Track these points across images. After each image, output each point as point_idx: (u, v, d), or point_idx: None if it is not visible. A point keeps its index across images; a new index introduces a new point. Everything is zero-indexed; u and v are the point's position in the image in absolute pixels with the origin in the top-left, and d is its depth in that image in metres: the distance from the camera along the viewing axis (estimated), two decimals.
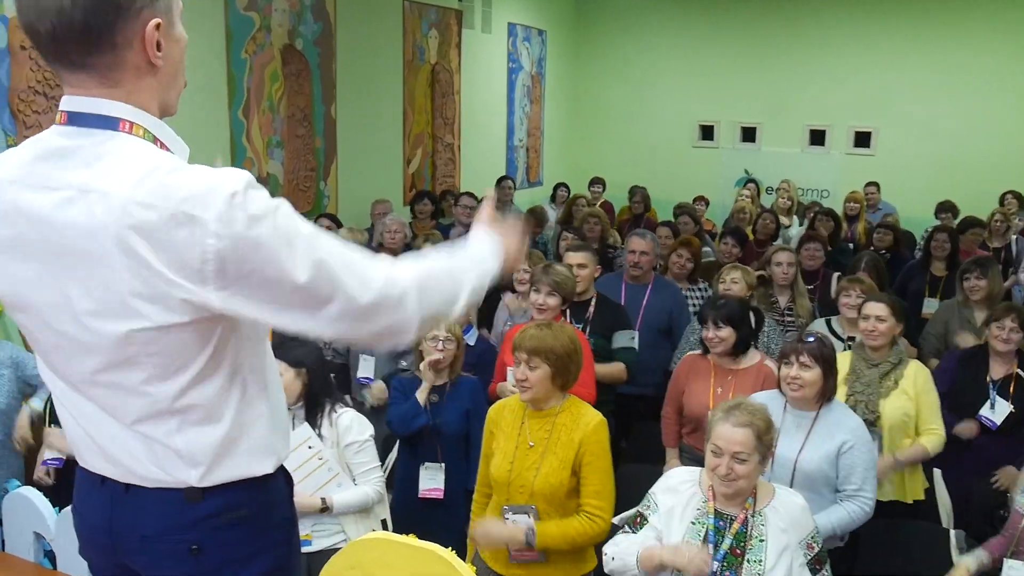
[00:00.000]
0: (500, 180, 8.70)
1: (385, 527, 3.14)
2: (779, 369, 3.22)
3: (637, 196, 9.10)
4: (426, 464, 3.56)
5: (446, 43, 8.85)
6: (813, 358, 3.11)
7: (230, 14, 6.04)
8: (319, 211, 7.00)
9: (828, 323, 4.64)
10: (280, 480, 1.62)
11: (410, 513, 3.52)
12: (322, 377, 3.16)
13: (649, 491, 2.76)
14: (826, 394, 3.16)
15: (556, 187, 9.83)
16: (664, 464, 3.90)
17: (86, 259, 1.32)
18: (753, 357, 3.86)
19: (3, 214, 1.38)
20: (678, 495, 2.66)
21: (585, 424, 2.84)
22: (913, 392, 3.70)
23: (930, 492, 3.86)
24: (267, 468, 1.56)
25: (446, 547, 2.91)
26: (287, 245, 1.32)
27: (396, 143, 8.19)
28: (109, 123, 1.34)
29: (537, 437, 2.86)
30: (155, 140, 1.39)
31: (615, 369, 4.18)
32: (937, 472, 3.93)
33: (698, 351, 4.01)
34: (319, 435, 3.08)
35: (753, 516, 2.56)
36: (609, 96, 11.78)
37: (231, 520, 1.51)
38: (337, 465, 3.06)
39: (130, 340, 1.35)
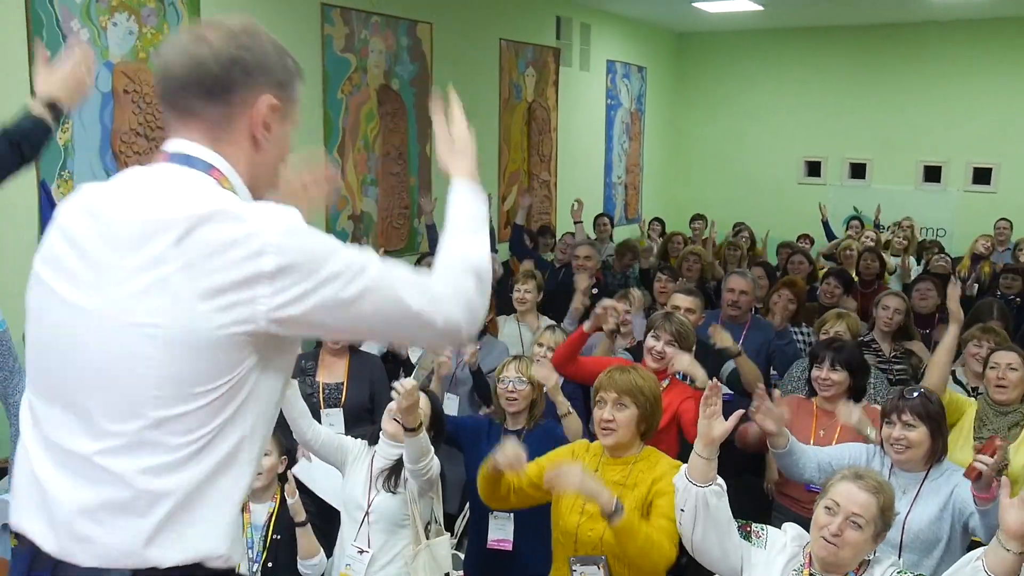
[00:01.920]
0: (597, 217, 8.57)
1: None
2: (881, 429, 2.95)
3: (744, 233, 8.79)
4: (495, 513, 3.40)
5: (543, 81, 8.82)
6: (917, 416, 2.83)
7: (327, 56, 6.15)
8: (413, 249, 7.02)
9: (953, 373, 4.31)
10: None
11: (480, 564, 3.37)
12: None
13: (766, 526, 2.53)
14: (936, 455, 2.88)
15: (650, 222, 9.61)
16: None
17: None
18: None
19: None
20: (784, 551, 2.41)
21: (662, 472, 2.66)
22: None
23: None
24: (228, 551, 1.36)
25: None
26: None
27: (491, 180, 8.18)
28: (203, 166, 1.38)
29: (611, 483, 2.68)
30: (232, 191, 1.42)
31: (753, 369, 4.11)
32: None
33: (801, 394, 3.77)
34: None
35: None
36: (710, 132, 11.55)
37: None
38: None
39: None
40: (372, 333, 1.42)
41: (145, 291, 1.26)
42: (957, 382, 4.22)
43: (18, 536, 1.40)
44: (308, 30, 6.03)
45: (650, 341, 3.75)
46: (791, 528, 2.53)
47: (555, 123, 9.07)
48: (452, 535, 4.16)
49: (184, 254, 1.25)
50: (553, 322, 4.84)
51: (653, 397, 2.75)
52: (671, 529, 2.56)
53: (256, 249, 1.25)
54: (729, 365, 4.21)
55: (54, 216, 1.43)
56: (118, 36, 4.82)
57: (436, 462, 3.07)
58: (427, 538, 3.16)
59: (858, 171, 10.75)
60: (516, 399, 3.41)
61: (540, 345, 4.18)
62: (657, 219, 9.69)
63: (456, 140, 1.71)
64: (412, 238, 7.14)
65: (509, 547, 3.29)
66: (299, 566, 3.09)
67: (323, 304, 1.28)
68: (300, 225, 1.30)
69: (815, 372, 3.61)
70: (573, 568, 2.64)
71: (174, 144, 1.40)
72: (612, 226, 8.39)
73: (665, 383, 3.65)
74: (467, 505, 3.74)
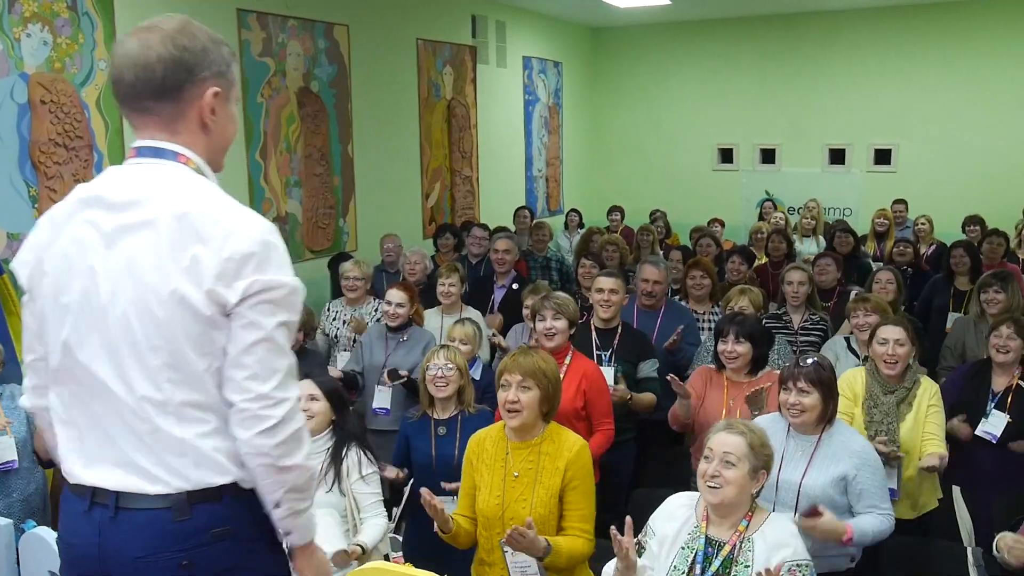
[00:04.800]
0: (517, 211, 8.77)
1: (386, 559, 3.16)
2: (779, 395, 3.20)
3: (659, 220, 9.13)
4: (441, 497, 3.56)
5: (461, 79, 8.98)
6: (811, 383, 3.08)
7: (245, 60, 6.20)
8: (339, 248, 7.12)
9: (847, 341, 4.61)
10: (256, 497, 1.70)
11: (423, 544, 3.53)
12: (346, 410, 3.24)
13: (650, 517, 2.77)
14: (827, 417, 3.14)
15: (568, 213, 9.88)
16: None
17: None
18: (763, 374, 3.85)
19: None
20: (673, 521, 2.66)
21: (568, 449, 2.85)
22: (924, 408, 3.66)
23: (944, 509, 3.80)
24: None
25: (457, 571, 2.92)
26: None
27: (414, 178, 8.31)
28: (169, 155, 1.66)
29: (522, 468, 2.86)
30: (199, 171, 1.70)
31: (648, 399, 4.24)
32: (956, 489, 3.85)
33: (711, 365, 4.01)
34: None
35: (743, 542, 2.55)
36: (627, 123, 11.86)
37: (218, 535, 1.62)
38: (340, 510, 3.09)
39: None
40: (242, 355, 1.62)
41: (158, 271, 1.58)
42: (851, 350, 4.50)
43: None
44: (225, 35, 5.93)
45: (539, 325, 3.93)
46: (676, 497, 2.78)
47: (475, 120, 9.24)
48: (391, 519, 4.31)
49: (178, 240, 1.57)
50: (468, 316, 5.01)
51: (555, 379, 2.92)
52: (586, 527, 2.83)
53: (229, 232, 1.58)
54: (649, 364, 4.34)
55: (55, 211, 1.70)
56: (32, 47, 4.81)
57: (384, 519, 3.19)
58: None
59: (768, 156, 11.16)
60: (444, 384, 3.58)
61: (451, 339, 4.32)
62: (574, 210, 9.94)
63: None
64: (337, 238, 7.23)
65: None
66: None
67: (256, 298, 1.60)
68: (272, 229, 1.63)
69: (721, 346, 3.83)
70: (505, 551, 2.80)
71: (140, 141, 1.67)
72: (532, 218, 8.58)
73: (568, 359, 3.87)
74: (406, 488, 3.88)
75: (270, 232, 1.63)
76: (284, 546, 1.78)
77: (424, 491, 2.82)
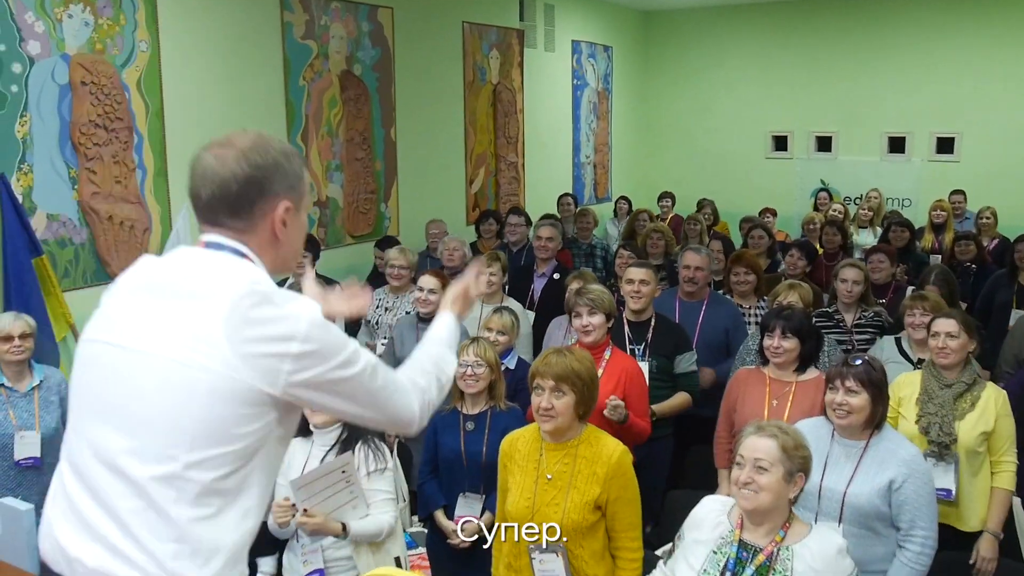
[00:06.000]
0: (561, 197, 8.63)
1: (399, 564, 3.07)
2: (825, 394, 3.03)
3: (707, 209, 8.91)
4: (466, 493, 3.48)
5: (508, 63, 8.84)
6: (860, 383, 2.91)
7: (287, 43, 6.15)
8: (380, 233, 7.05)
9: (898, 342, 4.39)
10: None
11: (444, 540, 3.44)
12: None
13: (683, 524, 2.64)
14: (876, 421, 2.96)
15: (617, 201, 9.70)
16: (718, 490, 3.74)
17: None
18: (812, 374, 3.68)
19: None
20: (704, 525, 2.52)
21: (608, 456, 2.72)
22: (993, 415, 3.45)
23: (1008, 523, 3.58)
24: None
25: None
26: None
27: (458, 163, 8.21)
28: (234, 251, 1.65)
29: (556, 470, 2.75)
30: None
31: (680, 401, 4.11)
32: (1017, 501, 3.64)
33: (753, 366, 3.85)
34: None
35: (780, 551, 2.40)
36: (678, 109, 11.61)
37: None
38: (360, 491, 3.00)
39: None
40: (349, 410, 1.67)
41: (194, 347, 1.53)
42: (902, 353, 4.29)
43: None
44: (267, 18, 6.03)
45: (575, 322, 3.81)
46: (708, 501, 2.64)
47: (521, 104, 9.10)
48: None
49: (229, 323, 1.52)
50: (506, 304, 4.90)
51: (590, 379, 2.79)
52: (636, 535, 2.72)
53: (287, 334, 1.53)
54: (688, 356, 4.21)
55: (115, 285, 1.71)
56: (74, 28, 4.80)
57: (391, 521, 3.08)
58: None
59: (824, 144, 10.83)
60: (474, 381, 3.48)
61: (489, 329, 4.19)
62: (624, 197, 9.78)
63: (465, 296, 2.13)
64: (379, 223, 7.17)
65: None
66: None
67: (327, 381, 1.59)
68: (321, 319, 1.59)
69: (766, 341, 3.67)
70: (533, 556, 2.70)
71: (208, 237, 1.66)
72: (576, 205, 8.43)
73: (607, 355, 3.73)
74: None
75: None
76: None
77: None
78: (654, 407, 3.93)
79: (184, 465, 1.49)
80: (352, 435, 3.12)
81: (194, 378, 1.50)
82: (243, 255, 1.64)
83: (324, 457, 3.09)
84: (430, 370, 1.83)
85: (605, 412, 3.43)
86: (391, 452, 3.23)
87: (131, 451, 1.52)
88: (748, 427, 2.52)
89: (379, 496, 3.07)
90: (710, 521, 2.53)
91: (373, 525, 3.01)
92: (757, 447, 2.42)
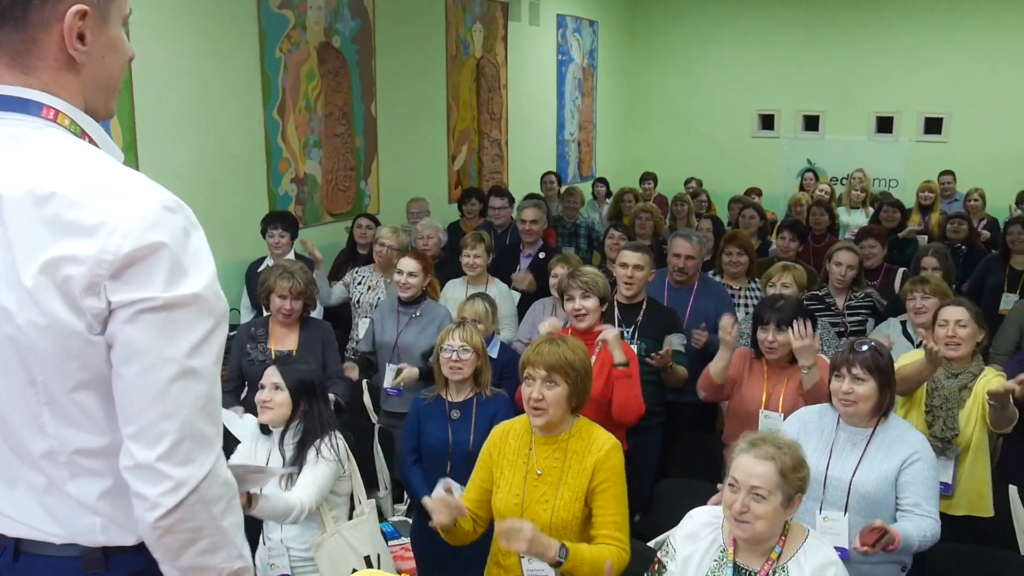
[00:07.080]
0: (544, 176, 8.45)
1: (369, 564, 2.90)
2: (830, 382, 2.90)
3: (701, 196, 8.59)
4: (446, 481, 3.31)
5: (491, 37, 8.62)
6: (867, 369, 2.78)
7: (263, 13, 5.90)
8: (359, 211, 6.83)
9: (903, 325, 4.28)
10: None
11: (428, 530, 3.28)
12: (316, 402, 2.97)
13: (669, 534, 2.49)
14: (883, 409, 2.83)
15: (595, 184, 9.42)
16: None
17: None
18: None
19: None
20: (697, 542, 2.37)
21: (598, 449, 2.57)
22: (982, 392, 3.35)
23: (998, 511, 3.48)
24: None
25: (465, 572, 2.67)
26: None
27: (440, 140, 8.00)
28: (26, 107, 1.18)
29: (546, 465, 2.60)
30: (83, 134, 1.23)
31: (682, 372, 3.99)
32: (1013, 489, 3.53)
33: (750, 351, 3.73)
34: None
35: (775, 572, 2.26)
36: (664, 86, 11.45)
37: None
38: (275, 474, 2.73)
39: None
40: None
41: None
42: (906, 335, 4.18)
43: None
44: None
45: (568, 305, 3.69)
46: (698, 514, 2.48)
47: (505, 80, 8.89)
48: (403, 501, 4.09)
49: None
50: (489, 290, 4.73)
51: (583, 370, 2.62)
52: (619, 535, 2.54)
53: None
54: (677, 337, 4.09)
55: None
56: None
57: (305, 502, 2.79)
58: (350, 517, 3.03)
59: (811, 123, 10.74)
60: (460, 368, 3.31)
61: (463, 318, 3.96)
62: (601, 179, 9.51)
63: None
64: (359, 200, 6.96)
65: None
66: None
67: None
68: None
69: (760, 335, 3.57)
70: (521, 556, 2.54)
71: None
72: (559, 184, 8.25)
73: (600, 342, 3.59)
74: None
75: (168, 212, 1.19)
76: None
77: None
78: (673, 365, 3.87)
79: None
80: (307, 434, 2.95)
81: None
82: (42, 107, 1.18)
83: (286, 457, 2.94)
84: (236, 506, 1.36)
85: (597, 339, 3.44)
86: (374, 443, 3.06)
87: None
88: (742, 441, 2.35)
89: (306, 478, 2.83)
90: (703, 539, 2.38)
91: (282, 503, 2.70)
92: (754, 472, 2.24)
